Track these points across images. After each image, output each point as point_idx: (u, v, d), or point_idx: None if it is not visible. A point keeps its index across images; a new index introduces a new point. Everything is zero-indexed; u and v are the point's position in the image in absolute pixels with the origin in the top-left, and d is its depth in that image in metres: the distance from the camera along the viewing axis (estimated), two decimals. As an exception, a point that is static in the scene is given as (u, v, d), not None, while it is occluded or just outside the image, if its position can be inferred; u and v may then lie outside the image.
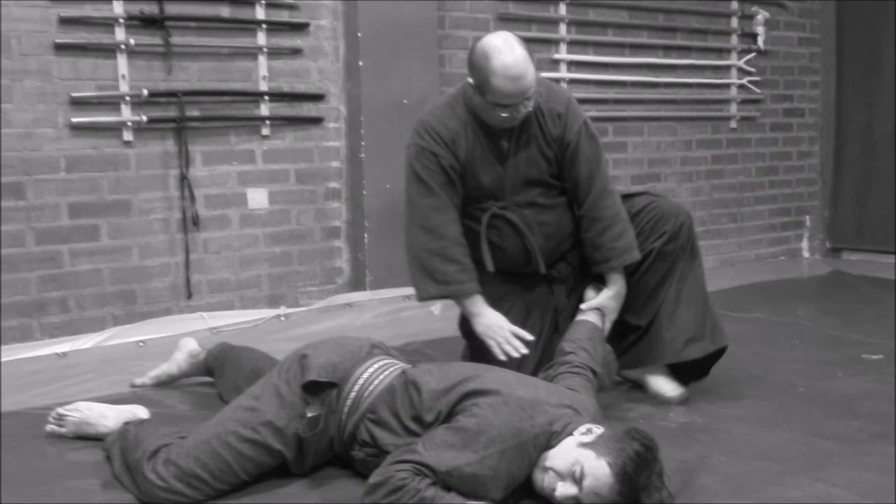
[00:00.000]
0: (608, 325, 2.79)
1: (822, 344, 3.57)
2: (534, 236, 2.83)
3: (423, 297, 2.86)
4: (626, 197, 2.93)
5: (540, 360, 2.71)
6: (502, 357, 2.62)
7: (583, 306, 2.80)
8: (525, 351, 2.63)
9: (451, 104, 2.80)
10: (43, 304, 3.61)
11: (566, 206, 2.89)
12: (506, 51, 2.54)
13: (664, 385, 2.87)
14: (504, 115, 2.64)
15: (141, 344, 3.52)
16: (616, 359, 2.80)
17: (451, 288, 2.78)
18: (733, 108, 5.47)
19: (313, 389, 2.17)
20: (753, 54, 5.44)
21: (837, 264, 5.58)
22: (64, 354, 3.39)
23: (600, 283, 2.87)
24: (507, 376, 2.18)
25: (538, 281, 2.93)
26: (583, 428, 2.00)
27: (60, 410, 2.53)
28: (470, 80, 2.66)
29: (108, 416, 2.46)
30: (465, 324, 3.03)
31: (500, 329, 2.70)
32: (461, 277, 2.76)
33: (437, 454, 1.95)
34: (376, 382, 2.21)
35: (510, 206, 2.82)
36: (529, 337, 2.67)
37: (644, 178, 5.15)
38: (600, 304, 2.79)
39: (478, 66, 2.59)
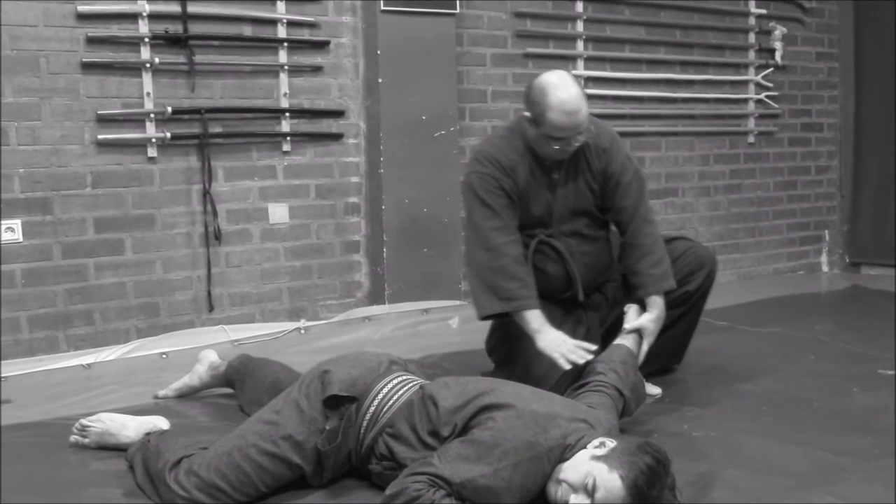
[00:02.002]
0: (645, 348, 2.85)
1: (837, 359, 3.55)
2: (576, 264, 2.98)
3: (486, 313, 2.94)
4: (666, 241, 3.09)
5: (564, 374, 2.79)
6: (567, 366, 2.69)
7: (626, 326, 2.85)
8: (590, 357, 2.70)
9: (509, 137, 2.97)
10: (69, 316, 3.69)
11: (607, 240, 3.10)
12: (562, 87, 2.73)
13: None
14: (557, 147, 2.81)
15: (164, 356, 3.56)
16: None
17: (514, 304, 2.86)
18: (751, 123, 5.48)
19: (333, 403, 2.21)
20: (771, 69, 5.45)
21: (857, 279, 5.56)
22: (89, 366, 3.45)
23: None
24: (523, 391, 2.21)
25: (574, 307, 3.05)
26: (596, 441, 2.02)
27: (84, 421, 2.58)
28: (526, 113, 2.84)
29: (130, 427, 2.51)
30: (491, 340, 3.19)
31: (563, 343, 2.77)
32: (524, 294, 2.86)
33: (452, 466, 1.98)
34: (395, 398, 2.25)
35: (556, 235, 3.00)
36: (593, 347, 2.75)
37: (661, 193, 5.17)
38: (642, 324, 2.86)
39: (535, 100, 2.77)
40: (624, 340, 2.80)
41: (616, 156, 2.98)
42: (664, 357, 3.21)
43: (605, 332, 3.10)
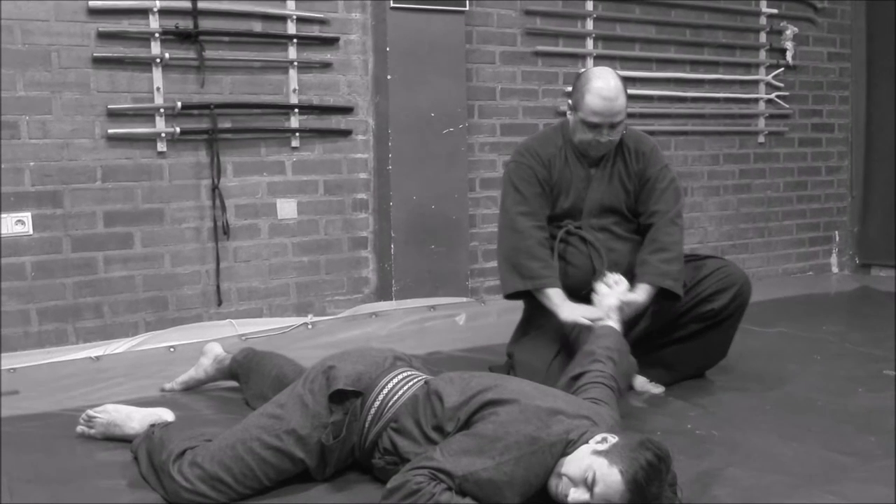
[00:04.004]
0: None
1: (843, 359, 3.55)
2: (601, 259, 3.02)
3: (510, 290, 3.09)
4: (699, 258, 3.21)
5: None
6: (589, 322, 2.80)
7: (622, 297, 2.84)
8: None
9: (551, 133, 3.16)
10: (78, 309, 3.72)
11: (638, 244, 3.10)
12: (603, 78, 2.93)
13: (647, 385, 3.13)
14: (591, 136, 2.94)
15: (172, 349, 3.58)
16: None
17: (536, 282, 3.00)
18: (761, 123, 5.46)
19: (338, 398, 2.22)
20: (782, 69, 5.43)
21: (866, 280, 5.54)
22: (97, 358, 3.47)
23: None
24: (526, 387, 2.22)
25: None
26: (598, 437, 2.03)
27: (90, 412, 2.61)
28: (569, 101, 3.04)
29: (135, 419, 2.54)
30: (515, 335, 3.22)
31: (584, 312, 2.88)
32: (545, 273, 2.99)
33: (454, 460, 1.99)
34: (400, 393, 2.26)
35: (585, 228, 3.07)
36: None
37: (670, 192, 5.16)
38: (631, 300, 2.86)
39: (578, 86, 2.98)
40: (611, 322, 2.76)
41: (654, 162, 3.08)
42: (683, 370, 3.20)
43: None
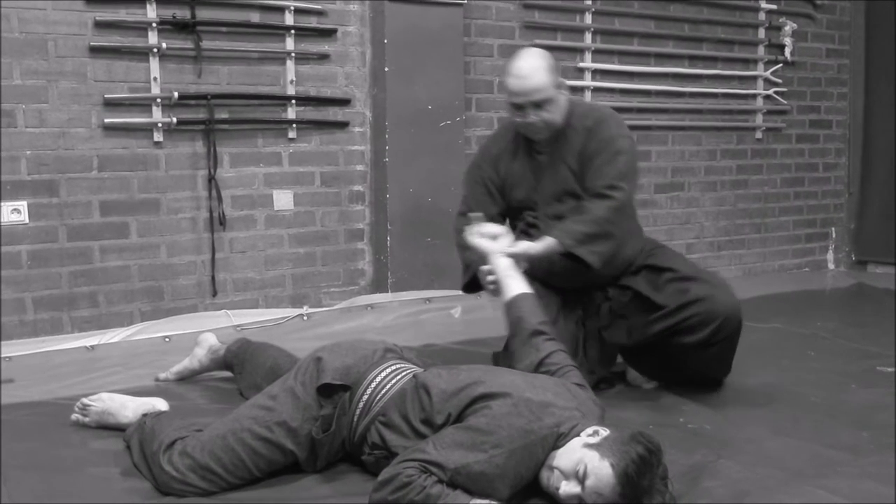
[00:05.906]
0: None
1: (837, 355, 3.56)
2: None
3: (461, 285, 3.15)
4: (687, 279, 2.92)
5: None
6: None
7: (510, 249, 2.73)
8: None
9: (508, 127, 3.12)
10: (73, 298, 3.72)
11: None
12: (522, 58, 2.88)
13: (640, 378, 3.16)
14: (519, 118, 2.90)
15: (167, 339, 3.58)
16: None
17: (470, 270, 3.02)
18: (759, 119, 5.47)
19: (327, 392, 2.22)
20: (780, 65, 5.43)
21: (863, 277, 5.54)
22: (92, 348, 3.47)
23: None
24: (516, 379, 2.21)
25: (574, 305, 3.03)
26: (589, 430, 2.03)
27: (84, 400, 2.62)
28: None
29: (129, 408, 2.54)
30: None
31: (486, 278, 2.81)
32: (473, 258, 2.93)
33: (446, 453, 1.99)
34: (388, 386, 2.26)
35: (541, 217, 3.00)
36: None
37: (667, 187, 5.17)
38: (521, 251, 2.74)
39: None
40: (523, 288, 2.63)
41: (597, 135, 2.88)
42: (681, 375, 3.07)
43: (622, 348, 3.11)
